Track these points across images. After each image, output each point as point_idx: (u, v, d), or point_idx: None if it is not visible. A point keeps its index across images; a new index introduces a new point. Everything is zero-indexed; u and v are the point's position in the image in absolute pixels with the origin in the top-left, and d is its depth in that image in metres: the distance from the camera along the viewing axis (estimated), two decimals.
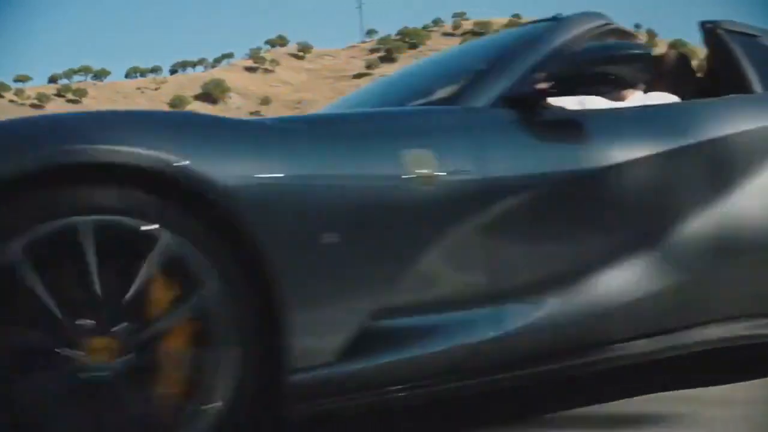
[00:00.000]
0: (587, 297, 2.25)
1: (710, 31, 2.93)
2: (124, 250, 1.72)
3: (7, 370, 1.63)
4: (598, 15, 2.68)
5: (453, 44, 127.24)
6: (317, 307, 1.91)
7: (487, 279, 2.15)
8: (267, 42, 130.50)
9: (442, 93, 2.68)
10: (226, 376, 1.79)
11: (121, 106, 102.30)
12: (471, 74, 2.58)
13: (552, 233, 2.28)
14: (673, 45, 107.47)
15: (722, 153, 2.54)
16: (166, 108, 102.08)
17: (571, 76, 2.35)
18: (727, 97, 2.74)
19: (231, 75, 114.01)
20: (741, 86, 2.73)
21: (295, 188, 1.91)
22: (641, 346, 2.34)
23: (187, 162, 1.78)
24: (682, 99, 2.79)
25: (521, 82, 2.36)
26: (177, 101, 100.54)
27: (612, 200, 2.38)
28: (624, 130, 2.47)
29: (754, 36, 2.97)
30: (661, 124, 2.55)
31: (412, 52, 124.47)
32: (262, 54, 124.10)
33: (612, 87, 2.55)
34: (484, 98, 2.32)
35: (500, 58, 2.51)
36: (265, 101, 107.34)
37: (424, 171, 2.06)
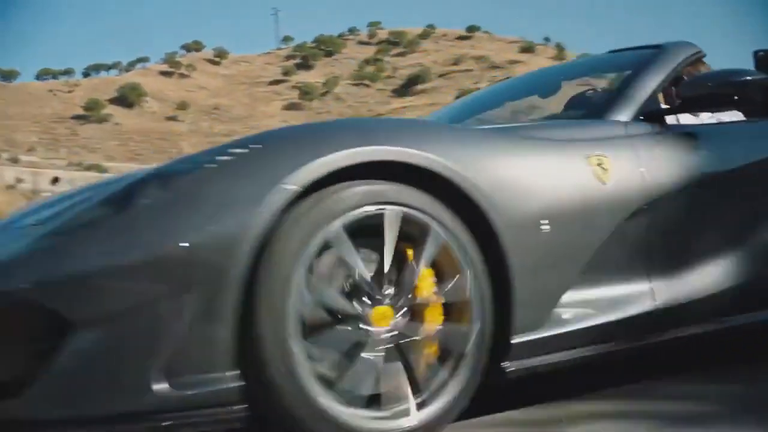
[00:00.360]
0: (712, 277, 2.59)
1: (763, 59, 3.29)
2: (410, 238, 2.00)
3: (318, 325, 1.87)
4: (692, 45, 3.02)
5: (368, 52, 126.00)
6: (536, 284, 2.19)
7: (647, 261, 2.47)
8: (183, 47, 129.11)
9: (570, 109, 3.12)
10: (471, 343, 2.05)
11: (33, 108, 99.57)
12: (605, 95, 3.04)
13: (689, 224, 2.62)
14: (580, 57, 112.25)
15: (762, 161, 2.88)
16: (80, 111, 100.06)
17: (695, 96, 2.70)
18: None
19: (146, 79, 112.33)
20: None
21: (520, 188, 2.20)
22: (745, 318, 2.72)
23: (458, 167, 2.06)
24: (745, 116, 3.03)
25: (650, 100, 2.72)
26: (92, 104, 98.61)
27: (729, 198, 2.74)
28: (733, 142, 2.87)
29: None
30: (742, 138, 2.92)
31: (327, 59, 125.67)
32: (178, 59, 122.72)
33: (732, 107, 2.82)
34: (627, 114, 2.65)
35: (630, 81, 2.82)
36: (182, 106, 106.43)
37: (605, 172, 2.40)
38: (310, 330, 1.86)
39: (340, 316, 1.91)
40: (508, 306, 2.12)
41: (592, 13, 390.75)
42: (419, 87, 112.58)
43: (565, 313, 2.26)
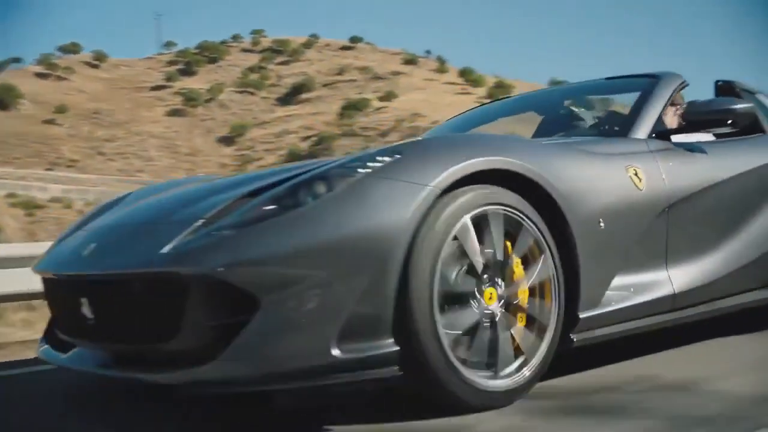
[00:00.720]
0: (714, 267, 3.12)
1: (723, 87, 3.87)
2: (509, 232, 2.41)
3: (450, 302, 2.27)
4: (679, 75, 3.48)
5: (252, 60, 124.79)
6: (598, 265, 2.64)
7: (666, 253, 2.95)
8: (59, 48, 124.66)
9: (584, 127, 3.62)
10: (552, 317, 2.48)
11: None
12: (621, 116, 3.50)
13: (696, 223, 3.10)
14: (462, 72, 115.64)
15: (757, 175, 3.45)
16: None
17: (698, 120, 3.25)
18: (758, 137, 3.69)
19: (20, 80, 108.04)
20: (753, 128, 3.52)
21: (584, 192, 2.64)
22: (748, 297, 3.29)
23: (545, 174, 2.49)
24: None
25: (659, 121, 3.26)
26: None
27: (721, 201, 3.24)
28: (727, 154, 3.40)
29: (753, 93, 3.87)
30: (742, 152, 3.48)
31: (211, 66, 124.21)
32: (54, 60, 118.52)
33: (727, 128, 3.24)
34: (644, 132, 3.20)
35: (641, 105, 3.33)
36: (61, 109, 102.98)
37: (639, 180, 2.89)
38: (444, 306, 2.24)
39: (463, 295, 2.31)
40: (576, 287, 2.58)
41: (471, 26, 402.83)
42: (304, 96, 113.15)
43: (615, 294, 2.73)
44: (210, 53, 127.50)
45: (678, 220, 3.01)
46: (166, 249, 2.19)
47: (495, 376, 2.35)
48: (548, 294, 2.51)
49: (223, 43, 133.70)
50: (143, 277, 2.27)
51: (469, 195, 2.33)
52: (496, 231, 2.38)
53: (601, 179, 2.78)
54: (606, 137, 3.28)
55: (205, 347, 2.11)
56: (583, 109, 3.92)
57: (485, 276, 2.38)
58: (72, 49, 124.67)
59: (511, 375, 2.39)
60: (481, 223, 2.36)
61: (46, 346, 2.90)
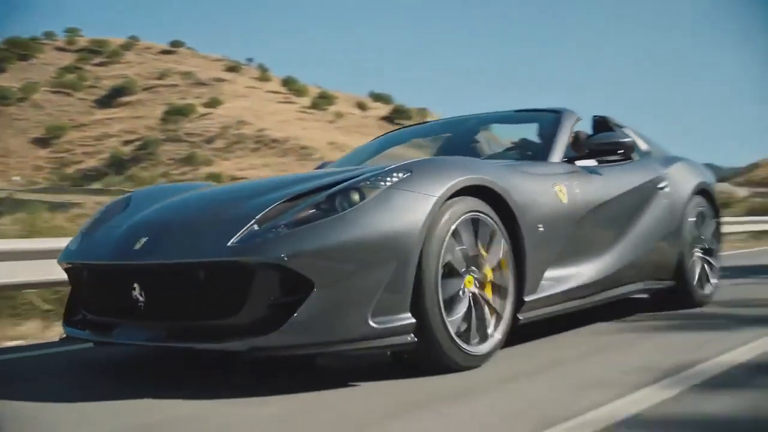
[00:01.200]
0: (609, 264, 3.94)
1: (599, 121, 4.66)
2: (479, 233, 3.06)
3: (442, 278, 2.85)
4: (574, 112, 4.32)
5: (67, 59, 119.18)
6: (537, 261, 3.36)
7: (577, 251, 3.71)
8: None
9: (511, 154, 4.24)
10: (510, 297, 3.19)
11: None
12: (535, 145, 4.21)
13: (594, 228, 3.87)
14: (285, 81, 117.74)
15: (641, 188, 4.33)
16: None
17: (592, 148, 4.04)
18: (641, 162, 4.55)
19: None
20: (609, 151, 4.11)
21: (529, 203, 3.34)
22: (626, 289, 4.13)
23: (505, 185, 3.19)
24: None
25: (562, 150, 4.00)
26: None
27: (613, 213, 4.04)
28: (616, 175, 4.15)
29: (621, 127, 4.70)
30: (622, 174, 4.23)
31: (23, 63, 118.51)
32: None
33: (615, 156, 4.06)
34: (556, 156, 3.94)
35: (554, 136, 4.07)
36: None
37: (563, 195, 3.61)
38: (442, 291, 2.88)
39: (455, 281, 2.97)
40: (522, 276, 3.26)
41: (292, 36, 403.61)
42: (124, 99, 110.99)
43: (546, 284, 3.45)
44: (20, 50, 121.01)
45: (586, 227, 3.75)
46: (231, 242, 2.68)
47: (478, 344, 2.99)
48: (505, 279, 3.15)
49: (34, 39, 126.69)
50: (211, 265, 2.73)
51: (459, 204, 2.96)
52: (476, 231, 3.04)
53: (538, 193, 3.45)
54: (533, 161, 3.90)
55: (261, 321, 2.63)
56: (490, 136, 4.61)
57: (467, 266, 3.02)
58: None
59: (487, 341, 3.03)
60: (466, 225, 2.98)
61: (77, 328, 3.29)
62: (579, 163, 3.99)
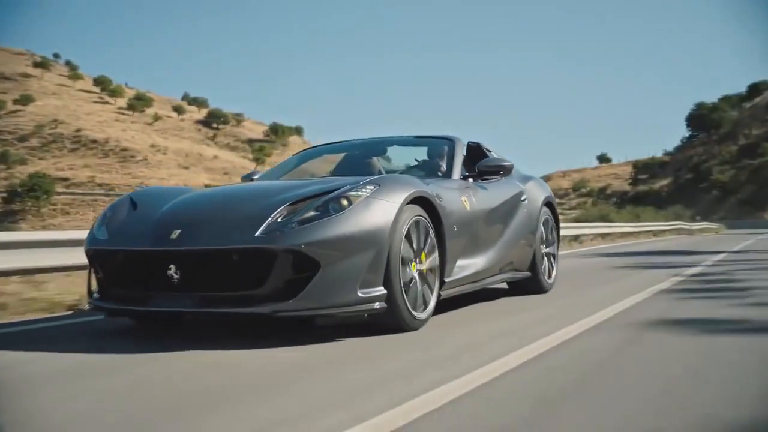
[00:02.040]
0: (493, 257, 5.19)
1: (473, 146, 5.96)
2: (420, 231, 4.16)
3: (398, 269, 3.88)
4: (461, 139, 5.69)
5: None
6: (452, 252, 4.50)
7: (473, 246, 4.92)
8: None
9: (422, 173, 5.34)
10: (437, 278, 4.34)
11: None
12: (436, 164, 5.44)
13: (484, 229, 5.10)
14: (98, 81, 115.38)
15: (511, 200, 5.70)
16: None
17: (482, 170, 5.28)
18: (507, 179, 5.77)
19: None
20: (495, 173, 5.36)
21: (448, 209, 4.50)
22: (501, 277, 5.42)
23: (435, 197, 4.34)
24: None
25: (460, 170, 5.30)
26: None
27: (494, 218, 5.32)
28: (497, 189, 5.51)
29: (490, 151, 6.09)
30: (499, 189, 5.58)
31: None
32: None
33: (498, 176, 5.39)
34: (456, 175, 5.21)
35: (452, 158, 5.39)
36: None
37: (466, 204, 4.83)
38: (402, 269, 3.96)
39: (407, 266, 4.04)
40: (444, 262, 4.44)
41: (104, 32, 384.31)
42: None
43: (456, 270, 4.67)
44: None
45: (479, 228, 5.04)
46: (258, 233, 3.68)
47: (422, 311, 4.18)
48: (434, 256, 4.38)
49: None
50: (243, 250, 3.68)
51: (410, 210, 4.10)
52: (417, 229, 4.20)
53: (453, 203, 4.70)
54: (443, 178, 5.15)
55: (281, 291, 3.63)
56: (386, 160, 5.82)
57: (414, 255, 4.15)
58: None
59: (424, 310, 4.20)
60: (413, 225, 4.14)
61: (103, 301, 4.13)
62: (470, 180, 5.24)
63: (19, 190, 68.52)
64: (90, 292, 4.23)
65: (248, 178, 5.80)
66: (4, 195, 70.07)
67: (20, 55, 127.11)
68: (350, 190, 3.92)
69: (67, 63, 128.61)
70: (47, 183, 69.22)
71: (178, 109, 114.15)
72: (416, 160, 5.84)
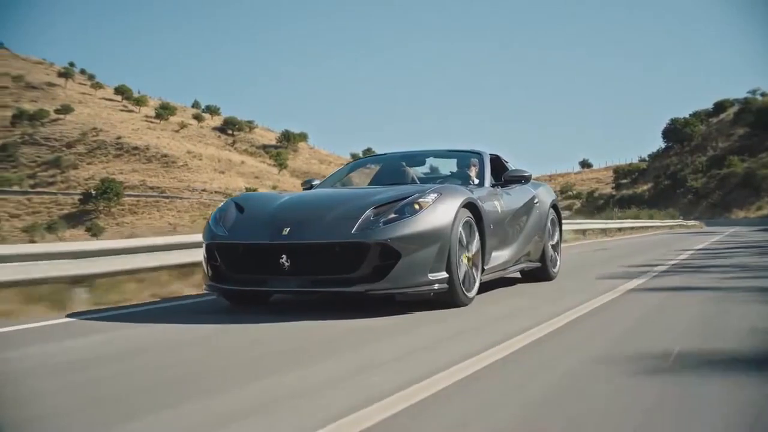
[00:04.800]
0: (515, 250, 6.51)
1: (494, 158, 7.05)
2: (469, 229, 5.39)
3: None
4: (486, 152, 6.92)
5: None
6: (489, 246, 5.79)
7: (504, 242, 6.25)
8: None
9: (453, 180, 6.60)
10: (481, 264, 5.61)
11: None
12: (466, 175, 6.62)
13: (510, 227, 6.42)
14: (118, 90, 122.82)
15: (527, 203, 6.97)
16: None
17: (507, 179, 6.57)
18: (526, 185, 6.98)
19: None
20: (517, 181, 6.60)
21: (487, 211, 5.73)
22: (519, 266, 6.80)
23: (479, 201, 5.63)
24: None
25: (490, 178, 6.55)
26: None
27: (516, 218, 6.60)
28: (519, 194, 6.85)
29: (507, 161, 7.37)
30: (519, 194, 6.85)
31: None
32: None
33: (518, 184, 6.66)
34: (488, 183, 6.46)
35: (483, 169, 6.60)
36: None
37: (498, 206, 6.17)
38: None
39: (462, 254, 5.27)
40: (484, 253, 5.66)
41: (114, 41, 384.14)
42: None
43: (492, 259, 5.89)
44: None
45: (506, 226, 6.26)
46: (353, 230, 4.81)
47: (469, 291, 5.28)
48: (478, 248, 5.51)
49: None
50: (342, 243, 4.82)
51: (462, 212, 5.21)
52: (468, 228, 5.32)
53: (489, 206, 5.84)
54: (478, 186, 6.30)
55: (371, 275, 4.76)
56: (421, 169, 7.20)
57: (463, 248, 5.24)
58: None
59: (473, 290, 5.37)
60: (464, 225, 5.23)
61: (220, 283, 5.26)
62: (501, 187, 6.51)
63: (93, 192, 78.03)
64: (208, 276, 5.36)
65: (308, 184, 7.07)
66: (80, 197, 79.42)
67: (39, 64, 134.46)
68: (420, 197, 5.09)
69: (82, 71, 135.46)
70: (117, 186, 78.91)
71: (197, 117, 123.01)
72: (451, 171, 7.08)
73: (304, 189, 6.94)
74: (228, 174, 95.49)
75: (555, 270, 7.58)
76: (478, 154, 6.84)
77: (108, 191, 77.33)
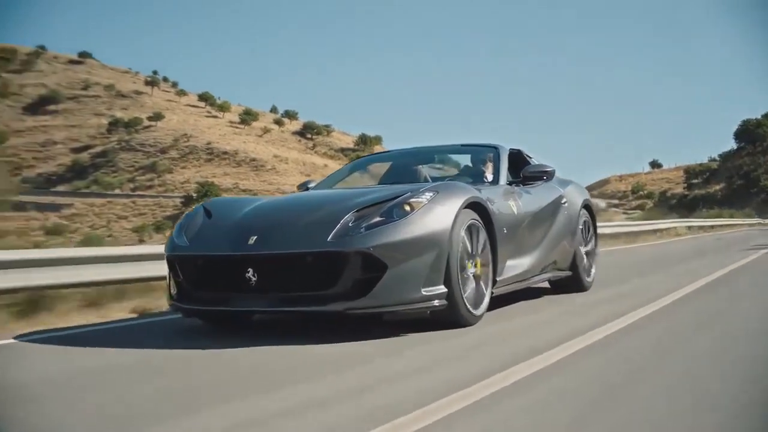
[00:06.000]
0: (537, 257, 5.50)
1: (514, 152, 6.19)
2: (473, 234, 4.49)
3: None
4: (505, 147, 5.98)
5: None
6: (502, 253, 4.80)
7: (521, 247, 5.24)
8: None
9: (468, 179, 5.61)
10: (490, 276, 4.68)
11: None
12: (481, 172, 5.72)
13: (531, 230, 5.44)
14: (203, 96, 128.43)
15: (552, 203, 6.01)
16: None
17: (527, 175, 5.57)
18: (548, 183, 5.96)
19: None
20: (539, 178, 5.69)
21: (498, 212, 4.81)
22: (544, 276, 5.76)
23: (488, 200, 4.69)
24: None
25: (506, 175, 5.57)
26: None
27: (538, 221, 5.61)
28: (541, 193, 5.84)
29: (531, 158, 6.47)
30: (542, 193, 5.88)
31: None
32: None
33: (540, 181, 5.70)
34: (503, 180, 5.49)
35: (499, 164, 5.67)
36: None
37: (514, 207, 5.20)
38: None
39: (464, 266, 4.36)
40: (495, 262, 4.72)
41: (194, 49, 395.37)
42: (51, 107, 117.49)
43: (506, 269, 4.96)
44: None
45: (525, 230, 5.36)
46: (329, 237, 4.05)
47: (476, 308, 4.49)
48: (487, 264, 4.70)
49: None
50: (317, 253, 4.04)
51: (464, 214, 4.41)
52: (470, 232, 4.49)
53: (502, 208, 5.02)
54: (491, 184, 5.47)
55: (352, 291, 3.99)
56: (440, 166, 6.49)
57: (468, 256, 4.48)
58: None
59: (480, 307, 4.55)
60: (468, 229, 4.47)
61: (184, 302, 4.48)
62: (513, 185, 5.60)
63: (194, 195, 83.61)
64: (170, 295, 4.60)
65: (304, 186, 6.25)
66: (182, 199, 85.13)
67: (126, 73, 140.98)
68: (412, 196, 4.31)
69: (165, 79, 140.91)
70: (215, 189, 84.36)
71: (278, 122, 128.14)
72: (459, 169, 6.41)
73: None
74: (314, 176, 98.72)
75: (589, 279, 6.57)
76: (494, 149, 5.97)
77: (207, 194, 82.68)
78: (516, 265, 5.16)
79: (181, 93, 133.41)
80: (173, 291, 4.56)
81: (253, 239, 4.21)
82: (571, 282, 6.34)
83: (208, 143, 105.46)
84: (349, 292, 3.99)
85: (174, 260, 4.53)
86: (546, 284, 6.32)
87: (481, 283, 4.58)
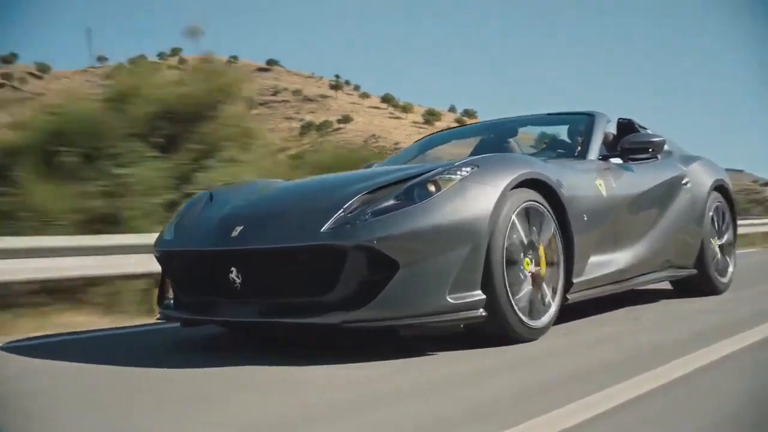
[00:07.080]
0: (641, 251, 4.39)
1: (624, 123, 5.03)
2: (532, 220, 3.43)
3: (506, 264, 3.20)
4: (605, 114, 4.80)
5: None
6: (582, 247, 3.73)
7: (615, 239, 4.16)
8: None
9: (552, 153, 4.61)
10: (561, 280, 3.56)
11: None
12: (570, 144, 4.75)
13: (632, 219, 4.35)
14: (384, 99, 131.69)
15: (667, 183, 4.80)
16: None
17: (626, 147, 4.46)
18: (664, 160, 4.89)
19: None
20: (642, 150, 4.49)
21: (573, 194, 3.73)
22: (654, 276, 4.59)
23: (556, 180, 3.60)
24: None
25: (598, 149, 4.45)
26: None
27: (642, 206, 4.50)
28: (645, 171, 4.60)
29: (645, 128, 5.11)
30: (650, 171, 4.67)
31: None
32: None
33: (647, 154, 4.48)
34: (593, 155, 4.37)
35: (590, 136, 4.52)
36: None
37: (602, 189, 4.04)
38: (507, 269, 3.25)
39: (515, 262, 3.31)
40: (570, 260, 3.67)
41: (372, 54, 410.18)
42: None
43: (589, 268, 3.88)
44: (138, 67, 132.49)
45: (621, 217, 4.25)
46: (324, 228, 3.03)
47: (537, 319, 3.41)
48: (555, 263, 3.59)
49: (161, 56, 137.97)
50: (308, 248, 3.06)
51: (516, 194, 3.35)
52: (529, 218, 3.44)
53: (582, 187, 3.92)
54: (574, 158, 4.38)
55: (353, 297, 2.98)
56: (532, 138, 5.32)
57: (524, 250, 3.39)
58: (9, 59, 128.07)
59: (543, 316, 3.46)
60: (523, 214, 3.39)
61: (171, 309, 3.63)
62: (612, 160, 4.50)
63: None
64: (161, 300, 3.80)
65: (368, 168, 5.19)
66: None
67: (310, 78, 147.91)
68: (442, 172, 3.21)
69: (347, 82, 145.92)
70: None
71: (459, 121, 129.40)
72: (545, 142, 5.24)
73: None
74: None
75: (724, 280, 5.29)
76: (588, 116, 4.83)
77: None
78: (606, 262, 4.06)
79: (364, 95, 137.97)
80: (160, 295, 3.87)
81: (237, 230, 3.32)
82: (698, 282, 5.06)
83: (396, 143, 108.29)
84: (349, 300, 3.03)
85: (158, 258, 3.84)
86: (666, 284, 5.19)
87: (544, 285, 3.49)
